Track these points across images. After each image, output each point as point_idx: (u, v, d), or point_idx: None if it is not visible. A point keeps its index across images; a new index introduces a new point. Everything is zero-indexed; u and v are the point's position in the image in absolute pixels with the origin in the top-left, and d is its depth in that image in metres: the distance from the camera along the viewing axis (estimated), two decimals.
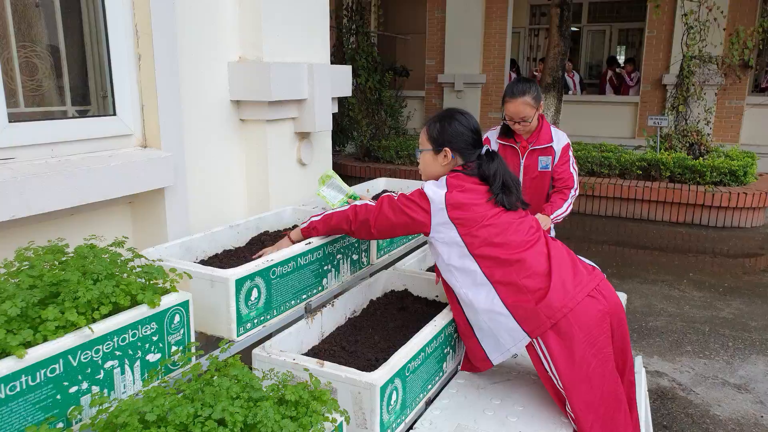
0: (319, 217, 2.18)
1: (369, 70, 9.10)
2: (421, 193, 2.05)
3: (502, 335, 2.01)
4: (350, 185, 3.04)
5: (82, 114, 2.19)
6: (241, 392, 1.39)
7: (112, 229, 2.26)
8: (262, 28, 2.63)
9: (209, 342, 1.95)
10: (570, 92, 11.48)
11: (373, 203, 2.12)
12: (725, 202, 7.00)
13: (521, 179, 3.15)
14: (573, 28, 12.85)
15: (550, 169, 3.10)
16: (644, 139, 8.90)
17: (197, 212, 2.55)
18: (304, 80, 2.80)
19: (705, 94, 9.20)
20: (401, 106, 10.30)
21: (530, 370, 2.26)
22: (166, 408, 1.31)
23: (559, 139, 3.09)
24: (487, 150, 2.13)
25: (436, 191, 2.03)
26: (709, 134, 8.91)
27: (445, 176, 2.09)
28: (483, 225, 1.99)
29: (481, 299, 2.00)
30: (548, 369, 1.97)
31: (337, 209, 2.18)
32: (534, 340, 1.97)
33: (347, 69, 3.22)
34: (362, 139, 8.98)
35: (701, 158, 7.57)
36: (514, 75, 12.16)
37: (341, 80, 3.13)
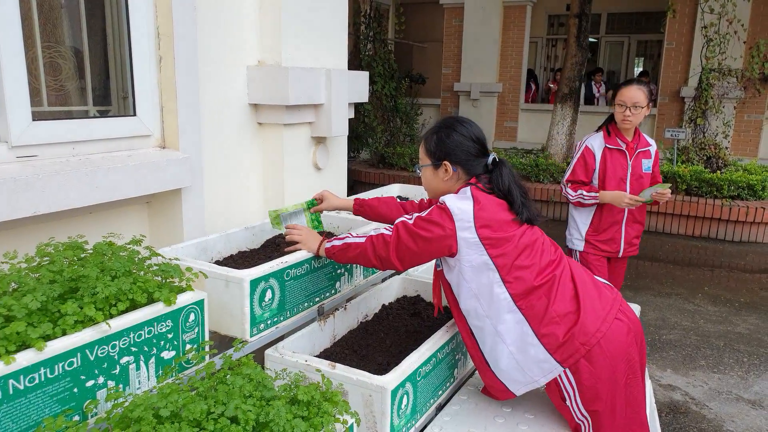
0: (340, 242, 1.97)
1: (385, 77, 9.15)
2: (441, 209, 1.78)
3: (530, 367, 1.81)
4: (364, 191, 3.04)
5: (103, 114, 2.23)
6: (253, 391, 1.41)
7: (129, 228, 2.29)
8: (282, 32, 2.66)
9: (222, 342, 1.97)
10: (595, 103, 11.43)
11: (389, 231, 1.87)
12: (742, 217, 6.91)
13: (628, 181, 3.16)
14: (591, 39, 12.82)
15: (651, 171, 3.25)
16: (660, 151, 8.83)
17: (213, 213, 2.58)
18: (322, 85, 2.82)
19: (724, 107, 9.13)
20: (417, 113, 10.33)
21: None
22: (180, 404, 1.32)
23: (653, 143, 3.30)
24: (494, 159, 1.90)
25: (461, 206, 1.77)
26: (727, 148, 8.83)
27: (468, 187, 1.84)
28: (514, 246, 1.77)
29: (509, 330, 1.79)
30: (570, 399, 1.82)
31: (353, 240, 1.94)
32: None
33: (364, 75, 3.24)
34: (377, 146, 9.01)
35: (719, 172, 7.49)
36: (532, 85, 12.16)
37: (358, 86, 3.15)
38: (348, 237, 1.97)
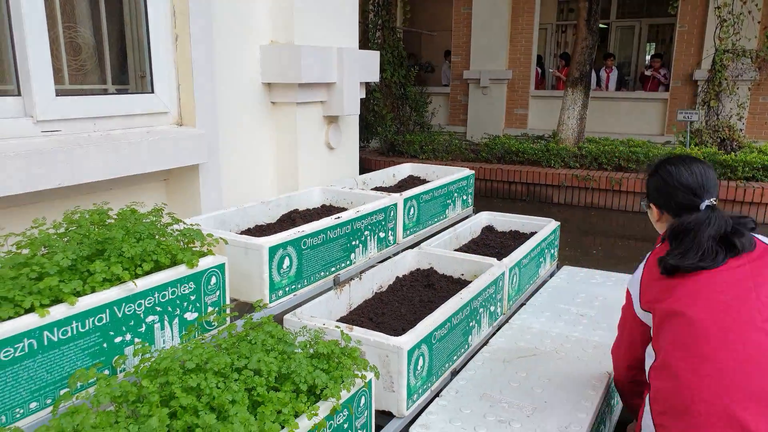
0: None
1: (394, 65, 9.15)
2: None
3: None
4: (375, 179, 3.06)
5: (121, 93, 2.28)
6: (275, 345, 1.46)
7: (148, 204, 2.34)
8: (294, 12, 2.70)
9: (242, 311, 2.02)
10: (593, 88, 11.36)
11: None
12: (757, 198, 6.86)
13: None
14: (602, 25, 12.72)
15: None
16: (673, 135, 8.77)
17: (229, 190, 2.63)
18: (334, 64, 2.86)
19: (738, 89, 9.03)
20: (426, 102, 10.33)
21: (556, 347, 2.28)
22: (204, 358, 1.38)
23: None
24: (708, 206, 1.64)
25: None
26: (741, 130, 8.74)
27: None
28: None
29: None
30: None
31: None
32: None
33: (375, 54, 3.27)
34: (387, 134, 9.03)
35: (733, 154, 7.43)
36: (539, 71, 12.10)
37: (369, 65, 3.19)
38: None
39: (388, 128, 8.97)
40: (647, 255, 1.76)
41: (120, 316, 1.44)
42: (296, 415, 1.36)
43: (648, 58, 12.84)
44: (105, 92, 2.23)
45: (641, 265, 1.75)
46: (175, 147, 2.22)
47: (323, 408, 1.40)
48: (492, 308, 2.36)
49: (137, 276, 1.49)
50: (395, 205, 2.60)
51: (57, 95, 1.93)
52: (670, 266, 1.59)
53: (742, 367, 1.43)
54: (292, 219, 2.53)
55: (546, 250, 3.00)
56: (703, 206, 1.65)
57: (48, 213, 1.94)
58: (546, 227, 3.05)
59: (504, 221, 3.36)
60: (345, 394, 1.46)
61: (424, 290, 2.49)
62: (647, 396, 1.61)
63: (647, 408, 1.60)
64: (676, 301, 1.56)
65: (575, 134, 8.44)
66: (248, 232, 2.36)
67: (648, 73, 11.19)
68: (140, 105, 2.19)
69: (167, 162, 2.21)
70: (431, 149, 8.63)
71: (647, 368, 1.65)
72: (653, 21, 13.12)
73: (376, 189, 3.21)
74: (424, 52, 12.91)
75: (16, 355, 1.24)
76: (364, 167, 8.84)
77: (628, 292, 1.78)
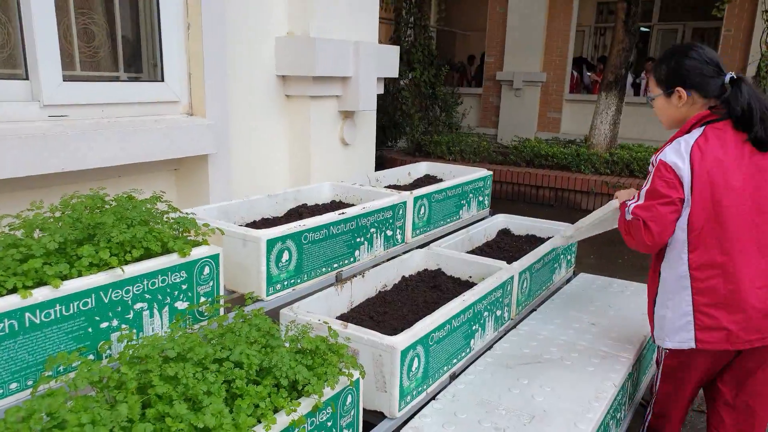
0: (626, 213, 1.93)
1: (424, 64, 9.07)
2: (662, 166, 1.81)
3: None
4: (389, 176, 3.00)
5: (132, 81, 2.29)
6: (259, 338, 1.43)
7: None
8: (311, 3, 2.68)
9: (241, 303, 2.01)
10: (633, 94, 11.08)
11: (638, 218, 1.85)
12: None
13: None
14: (643, 28, 12.40)
15: None
16: None
17: (240, 182, 2.63)
18: (350, 57, 2.83)
19: None
20: (456, 102, 10.22)
21: (562, 355, 2.20)
22: (186, 347, 1.36)
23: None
24: (732, 78, 1.82)
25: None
26: None
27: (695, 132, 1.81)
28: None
29: None
30: None
31: (626, 216, 1.93)
32: None
33: (394, 49, 3.23)
34: (414, 134, 8.97)
35: None
36: (576, 74, 11.86)
37: (388, 60, 3.15)
38: (633, 202, 1.92)
39: (416, 128, 8.91)
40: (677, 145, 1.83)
41: (107, 301, 1.44)
42: (276, 411, 1.33)
43: None
44: (117, 80, 2.24)
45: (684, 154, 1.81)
46: (185, 137, 2.23)
47: (305, 405, 1.37)
48: (498, 312, 2.29)
49: (127, 262, 1.49)
50: (404, 203, 2.55)
51: (67, 81, 1.95)
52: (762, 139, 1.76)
53: None
54: (299, 213, 2.51)
55: (561, 256, 2.91)
56: (727, 79, 1.81)
57: (54, 199, 1.96)
58: (563, 232, 2.95)
59: (521, 224, 3.28)
60: (329, 392, 1.43)
61: (429, 291, 2.43)
62: None
63: None
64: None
65: (607, 140, 8.24)
66: (253, 225, 2.34)
67: None
68: (150, 93, 2.20)
69: (175, 151, 2.21)
70: (458, 150, 8.54)
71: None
72: (697, 24, 12.71)
73: (390, 187, 3.17)
74: (458, 53, 12.79)
75: None
76: (387, 167, 8.79)
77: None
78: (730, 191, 1.77)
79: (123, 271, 1.45)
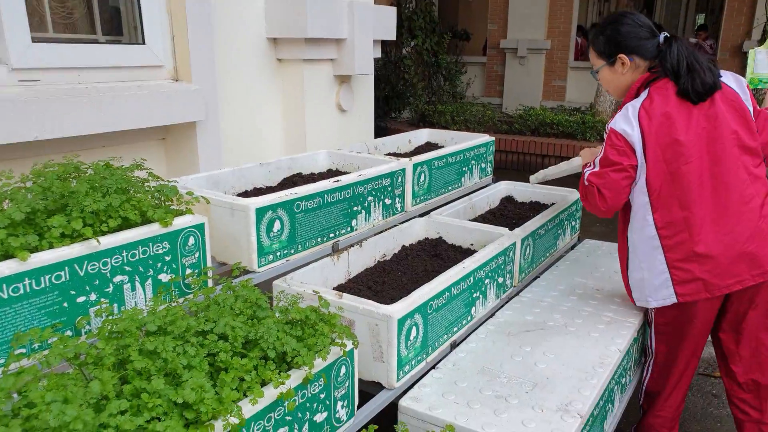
0: (586, 176, 2.00)
1: (426, 32, 8.85)
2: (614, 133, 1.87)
3: None
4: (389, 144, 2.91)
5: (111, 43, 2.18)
6: (245, 309, 1.35)
7: (146, 164, 2.26)
8: None
9: (230, 275, 1.93)
10: None
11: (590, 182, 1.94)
12: None
13: None
14: None
15: None
16: None
17: (231, 151, 2.53)
18: (344, 18, 2.70)
19: None
20: (460, 71, 10.01)
21: (566, 322, 2.12)
22: (167, 320, 1.28)
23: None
24: (666, 37, 1.90)
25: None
26: None
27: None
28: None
29: None
30: None
31: (584, 180, 2.00)
32: None
33: (391, 10, 3.09)
34: (417, 104, 8.80)
35: None
36: (581, 41, 11.58)
37: (385, 21, 3.01)
38: (589, 169, 1.99)
39: (419, 97, 8.73)
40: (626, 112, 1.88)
41: (82, 274, 1.35)
42: (263, 384, 1.26)
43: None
44: (95, 43, 2.12)
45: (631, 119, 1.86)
46: (169, 103, 2.12)
47: (294, 377, 1.29)
48: (500, 280, 2.21)
49: (103, 233, 1.40)
50: (403, 170, 2.45)
51: (37, 42, 1.84)
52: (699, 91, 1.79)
53: None
54: (293, 182, 2.41)
55: (566, 222, 2.81)
56: (661, 38, 1.89)
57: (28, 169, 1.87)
58: (567, 198, 2.85)
59: (524, 191, 3.17)
60: (321, 363, 1.35)
61: (430, 260, 2.35)
62: None
63: None
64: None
65: (613, 107, 8.06)
66: (245, 194, 2.25)
67: (693, 41, 10.56)
68: (130, 57, 2.09)
69: (160, 118, 2.11)
70: (463, 120, 8.38)
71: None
72: None
73: (390, 155, 3.06)
74: (461, 20, 12.51)
75: None
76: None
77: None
78: (681, 147, 1.81)
79: (98, 242, 1.36)
